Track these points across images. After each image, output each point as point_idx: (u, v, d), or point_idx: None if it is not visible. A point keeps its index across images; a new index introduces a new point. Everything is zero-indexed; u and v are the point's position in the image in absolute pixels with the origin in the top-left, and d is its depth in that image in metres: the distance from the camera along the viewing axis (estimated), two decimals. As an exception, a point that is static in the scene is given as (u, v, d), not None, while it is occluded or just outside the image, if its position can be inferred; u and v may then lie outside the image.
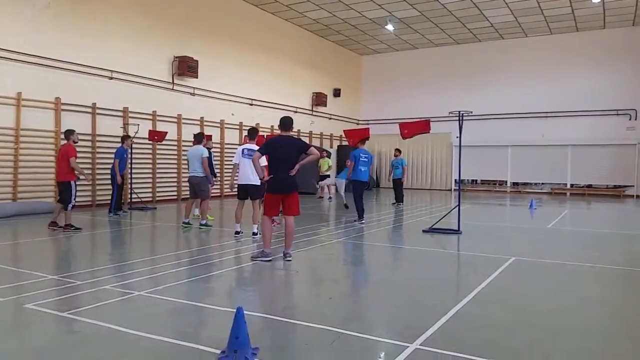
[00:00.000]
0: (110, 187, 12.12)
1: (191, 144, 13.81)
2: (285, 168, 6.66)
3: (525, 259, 7.20)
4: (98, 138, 13.45)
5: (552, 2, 18.15)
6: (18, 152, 11.57)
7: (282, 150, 6.71)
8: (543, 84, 22.49)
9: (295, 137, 7.39)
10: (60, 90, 12.48)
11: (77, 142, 9.54)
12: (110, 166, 12.13)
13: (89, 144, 13.29)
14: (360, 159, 11.04)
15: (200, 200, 9.95)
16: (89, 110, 13.28)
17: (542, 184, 23.50)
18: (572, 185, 22.47)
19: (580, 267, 6.86)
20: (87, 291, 5.13)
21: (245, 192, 8.75)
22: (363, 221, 10.81)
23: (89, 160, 13.26)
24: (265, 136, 11.47)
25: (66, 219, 9.11)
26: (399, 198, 15.65)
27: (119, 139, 12.33)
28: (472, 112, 10.16)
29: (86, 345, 3.72)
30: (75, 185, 9.30)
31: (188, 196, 10.73)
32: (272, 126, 19.53)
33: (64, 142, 9.75)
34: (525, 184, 23.85)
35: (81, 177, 9.61)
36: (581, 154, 21.88)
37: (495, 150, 23.34)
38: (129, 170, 13.45)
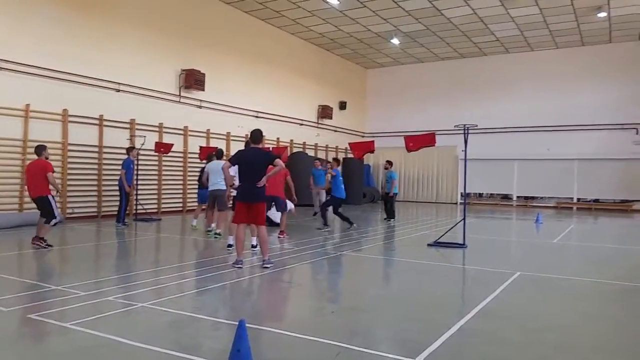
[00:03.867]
0: (118, 197, 12.18)
1: (197, 156, 13.97)
2: (252, 178, 6.99)
3: (530, 273, 7.14)
4: (105, 150, 13.53)
5: (557, 16, 18.21)
6: (25, 163, 11.64)
7: (250, 161, 7.08)
8: (549, 98, 22.48)
9: (264, 149, 7.76)
10: (68, 102, 12.61)
11: (48, 158, 8.93)
12: (117, 177, 12.23)
13: (96, 155, 13.38)
14: (340, 177, 12.39)
15: (219, 211, 10.21)
16: (96, 122, 13.39)
17: (549, 198, 23.36)
18: (578, 200, 22.33)
19: (586, 282, 6.79)
20: (90, 302, 5.13)
21: None
22: (329, 229, 11.93)
23: (96, 172, 13.34)
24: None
25: (42, 232, 8.52)
26: (388, 213, 14.34)
27: (125, 151, 12.39)
28: (477, 126, 10.15)
29: (87, 356, 3.71)
30: (54, 198, 8.73)
31: (204, 207, 11.29)
32: (277, 138, 19.63)
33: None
34: (531, 198, 23.72)
35: (55, 193, 8.92)
36: (588, 168, 21.77)
37: (501, 164, 23.28)
38: (135, 182, 13.51)
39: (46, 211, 8.50)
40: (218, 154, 10.63)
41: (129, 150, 12.28)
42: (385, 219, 14.55)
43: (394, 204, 14.55)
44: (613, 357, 3.98)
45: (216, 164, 10.20)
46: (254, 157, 7.13)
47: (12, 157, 11.56)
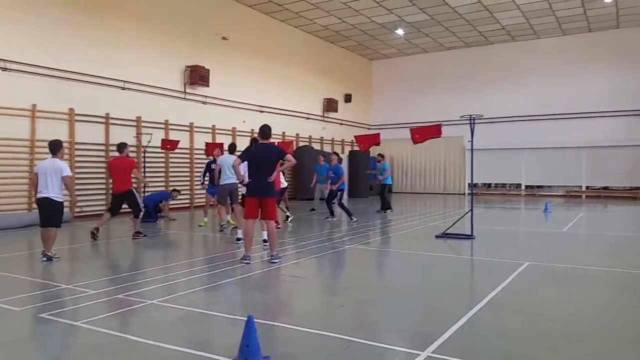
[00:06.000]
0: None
1: (203, 152, 14.04)
2: (262, 174, 7.02)
3: (539, 263, 7.10)
4: (112, 148, 13.56)
5: (563, 2, 18.00)
6: (33, 162, 11.73)
7: (260, 157, 7.12)
8: (556, 85, 22.27)
9: (274, 144, 7.81)
10: (74, 101, 12.67)
11: (128, 155, 9.79)
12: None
13: (103, 153, 13.45)
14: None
15: (232, 205, 10.26)
16: (102, 120, 13.45)
17: (557, 186, 23.18)
18: (587, 188, 22.16)
19: (595, 271, 6.75)
20: (101, 300, 5.18)
21: None
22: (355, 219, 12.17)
23: (104, 170, 13.40)
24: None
25: (135, 226, 9.51)
26: (383, 204, 14.63)
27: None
28: (483, 116, 10.10)
29: (98, 354, 3.75)
30: (135, 190, 9.64)
31: (214, 203, 11.34)
32: (283, 132, 19.62)
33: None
34: (539, 186, 23.57)
35: (142, 185, 9.82)
36: (596, 156, 21.58)
37: (509, 154, 23.14)
38: (143, 179, 13.66)
39: (132, 205, 9.40)
40: (231, 148, 10.67)
41: (174, 191, 13.32)
42: (378, 210, 14.67)
43: (385, 195, 14.86)
44: (623, 346, 3.96)
45: (228, 158, 10.24)
46: (264, 152, 7.16)
47: (20, 157, 11.66)
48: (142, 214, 9.62)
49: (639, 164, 20.81)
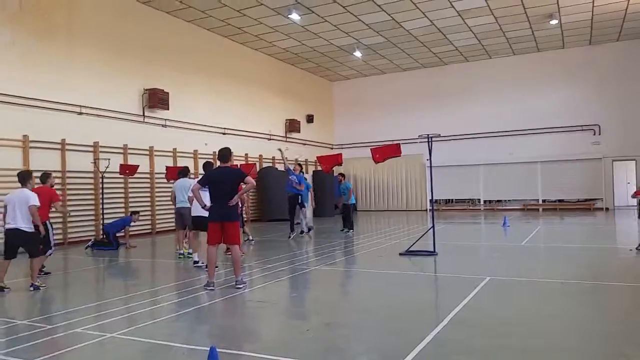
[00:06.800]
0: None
1: (163, 176, 13.83)
2: (224, 198, 6.95)
3: (500, 278, 7.29)
4: (68, 174, 13.21)
5: (512, 24, 18.82)
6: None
7: (220, 181, 7.07)
8: (509, 103, 23.14)
9: (234, 167, 7.77)
10: (28, 127, 12.29)
11: (53, 186, 9.09)
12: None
13: (59, 181, 13.03)
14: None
15: (189, 230, 9.92)
16: (58, 146, 13.08)
17: (515, 200, 23.86)
18: (543, 201, 22.94)
19: (552, 284, 6.98)
20: (57, 335, 4.98)
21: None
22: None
23: (59, 197, 12.96)
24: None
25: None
26: (346, 224, 14.42)
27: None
28: (440, 135, 10.38)
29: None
30: (50, 225, 8.59)
31: (173, 228, 11.11)
32: (246, 154, 19.57)
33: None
34: (498, 201, 24.23)
35: (67, 215, 9.09)
36: (550, 170, 22.43)
37: (467, 170, 23.75)
38: (101, 203, 13.31)
39: (43, 240, 8.36)
40: (184, 171, 10.52)
41: (133, 213, 12.83)
42: (342, 230, 14.60)
43: (351, 215, 14.74)
44: (579, 357, 4.10)
45: (182, 182, 10.13)
46: (224, 176, 7.09)
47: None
48: (50, 252, 8.39)
49: (590, 176, 21.76)
